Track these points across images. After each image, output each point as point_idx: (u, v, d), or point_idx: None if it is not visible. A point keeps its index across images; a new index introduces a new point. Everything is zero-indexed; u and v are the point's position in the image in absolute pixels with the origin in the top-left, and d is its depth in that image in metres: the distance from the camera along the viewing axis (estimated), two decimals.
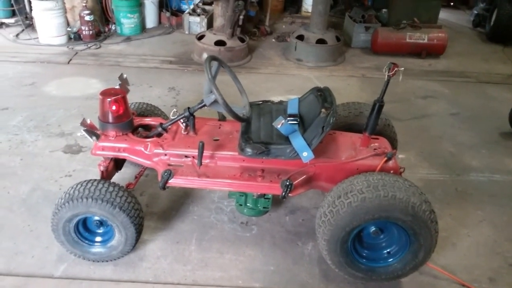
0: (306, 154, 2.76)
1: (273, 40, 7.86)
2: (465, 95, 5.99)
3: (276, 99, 3.50)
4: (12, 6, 7.39)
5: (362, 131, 3.00)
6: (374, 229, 2.75)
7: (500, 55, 7.72)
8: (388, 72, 2.69)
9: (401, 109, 5.44)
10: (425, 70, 6.89)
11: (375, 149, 2.99)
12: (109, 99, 2.87)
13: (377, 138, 3.12)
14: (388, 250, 2.84)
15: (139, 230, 2.90)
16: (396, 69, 2.67)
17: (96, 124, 3.06)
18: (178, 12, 8.26)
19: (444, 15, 9.30)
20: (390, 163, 2.90)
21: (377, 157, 2.92)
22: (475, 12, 9.33)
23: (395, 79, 2.78)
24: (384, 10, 8.11)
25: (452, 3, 10.78)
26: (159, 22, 8.21)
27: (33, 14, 6.89)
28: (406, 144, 4.51)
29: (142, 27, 7.75)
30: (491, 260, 3.24)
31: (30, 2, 6.94)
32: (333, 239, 2.66)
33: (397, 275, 2.81)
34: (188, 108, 2.97)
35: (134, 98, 4.54)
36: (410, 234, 2.62)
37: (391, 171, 2.88)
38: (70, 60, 6.36)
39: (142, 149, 2.98)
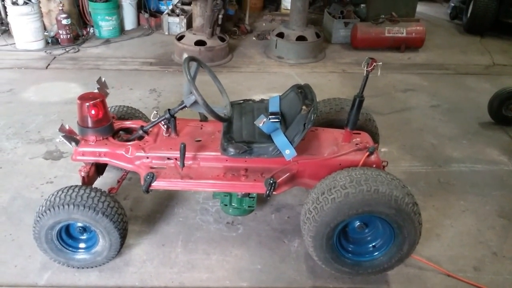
0: (289, 152, 2.76)
1: (254, 38, 7.84)
2: (444, 87, 6.06)
3: (257, 97, 3.50)
4: None
5: (344, 126, 3.02)
6: (358, 223, 2.77)
7: (478, 46, 7.82)
8: (367, 67, 2.71)
9: (382, 103, 5.48)
10: (404, 63, 6.94)
11: (357, 144, 3.00)
12: (87, 104, 2.83)
13: (359, 133, 3.14)
14: (373, 244, 2.86)
15: (123, 235, 2.87)
16: (374, 64, 2.69)
17: (76, 129, 3.02)
18: (156, 13, 8.19)
19: (421, 8, 9.39)
20: (373, 157, 2.92)
21: (359, 152, 2.94)
22: (452, 4, 9.43)
23: (374, 73, 2.80)
24: (362, 5, 8.15)
25: None
26: (138, 23, 8.13)
27: (9, 19, 6.75)
28: (388, 137, 4.55)
29: (120, 29, 7.67)
30: (475, 249, 3.28)
31: (5, 7, 6.80)
32: (318, 236, 2.67)
33: (383, 268, 2.84)
34: (169, 109, 2.95)
35: (114, 101, 4.49)
36: (394, 227, 2.64)
37: (374, 165, 2.90)
38: (48, 65, 6.26)
39: (124, 152, 2.95)
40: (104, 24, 7.34)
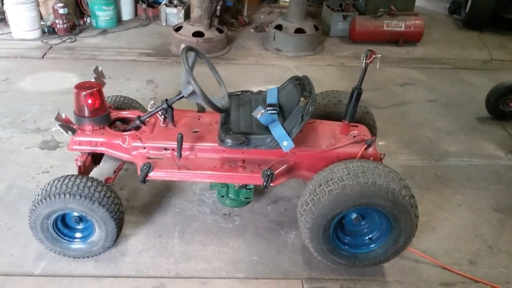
0: (286, 144, 2.75)
1: (252, 30, 7.81)
2: (442, 82, 6.06)
3: (255, 89, 3.48)
4: None
5: (342, 119, 3.01)
6: (355, 215, 2.77)
7: (476, 41, 7.82)
8: (366, 60, 2.70)
9: (380, 96, 5.48)
10: (402, 57, 6.94)
11: (354, 136, 3.00)
12: (84, 93, 2.81)
13: (357, 126, 3.14)
14: (369, 236, 2.86)
15: (119, 225, 2.86)
16: (373, 56, 2.68)
17: (72, 118, 3.00)
18: (154, 4, 8.13)
19: (420, 2, 9.36)
20: (370, 150, 2.92)
21: (356, 145, 2.94)
22: None
23: (373, 66, 2.79)
24: None
25: None
26: (136, 14, 8.08)
27: (5, 8, 6.70)
28: (386, 131, 4.55)
29: (118, 20, 7.61)
30: (470, 243, 3.29)
31: None
32: (315, 227, 2.67)
33: (379, 260, 2.84)
34: (166, 100, 2.94)
35: (111, 91, 4.44)
36: (391, 219, 2.65)
37: (371, 158, 2.90)
38: (45, 54, 6.21)
39: (120, 142, 2.93)
40: (101, 14, 7.29)
